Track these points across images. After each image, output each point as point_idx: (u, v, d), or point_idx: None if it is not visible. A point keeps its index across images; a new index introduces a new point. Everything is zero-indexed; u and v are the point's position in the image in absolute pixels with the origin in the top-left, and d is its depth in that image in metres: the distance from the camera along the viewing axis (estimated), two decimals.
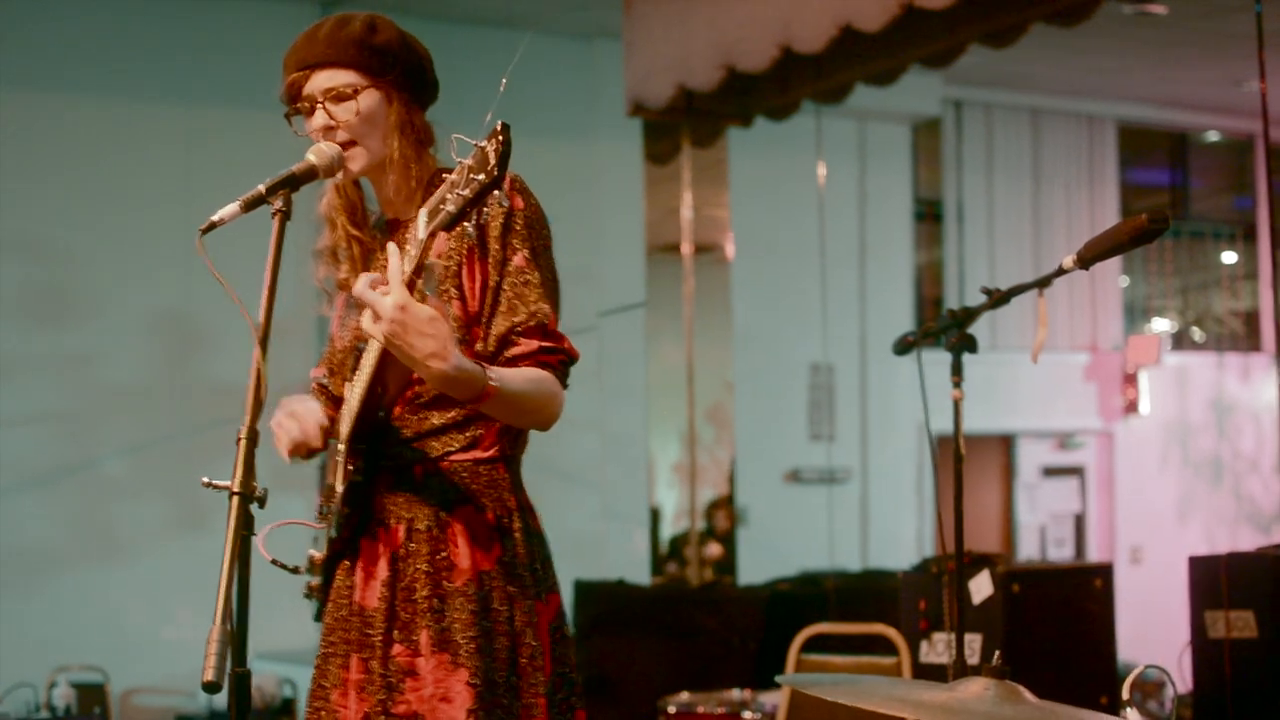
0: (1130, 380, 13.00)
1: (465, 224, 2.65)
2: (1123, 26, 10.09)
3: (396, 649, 2.95)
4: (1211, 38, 10.51)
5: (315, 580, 3.10)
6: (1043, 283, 3.32)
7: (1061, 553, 12.78)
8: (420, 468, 3.01)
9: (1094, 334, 12.87)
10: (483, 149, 2.57)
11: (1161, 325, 14.01)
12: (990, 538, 12.40)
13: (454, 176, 2.61)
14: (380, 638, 2.97)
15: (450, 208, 2.61)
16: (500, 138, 2.55)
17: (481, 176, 2.57)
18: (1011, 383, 11.98)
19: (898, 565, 7.02)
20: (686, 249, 9.58)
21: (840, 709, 3.02)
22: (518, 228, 2.96)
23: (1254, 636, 5.77)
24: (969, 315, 3.39)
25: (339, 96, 2.98)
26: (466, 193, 2.59)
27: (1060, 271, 3.33)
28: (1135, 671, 3.49)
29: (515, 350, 2.93)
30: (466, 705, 2.89)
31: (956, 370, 3.39)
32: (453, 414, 2.98)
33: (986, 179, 12.59)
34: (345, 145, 2.98)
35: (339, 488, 2.98)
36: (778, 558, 10.45)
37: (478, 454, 3.02)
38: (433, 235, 2.65)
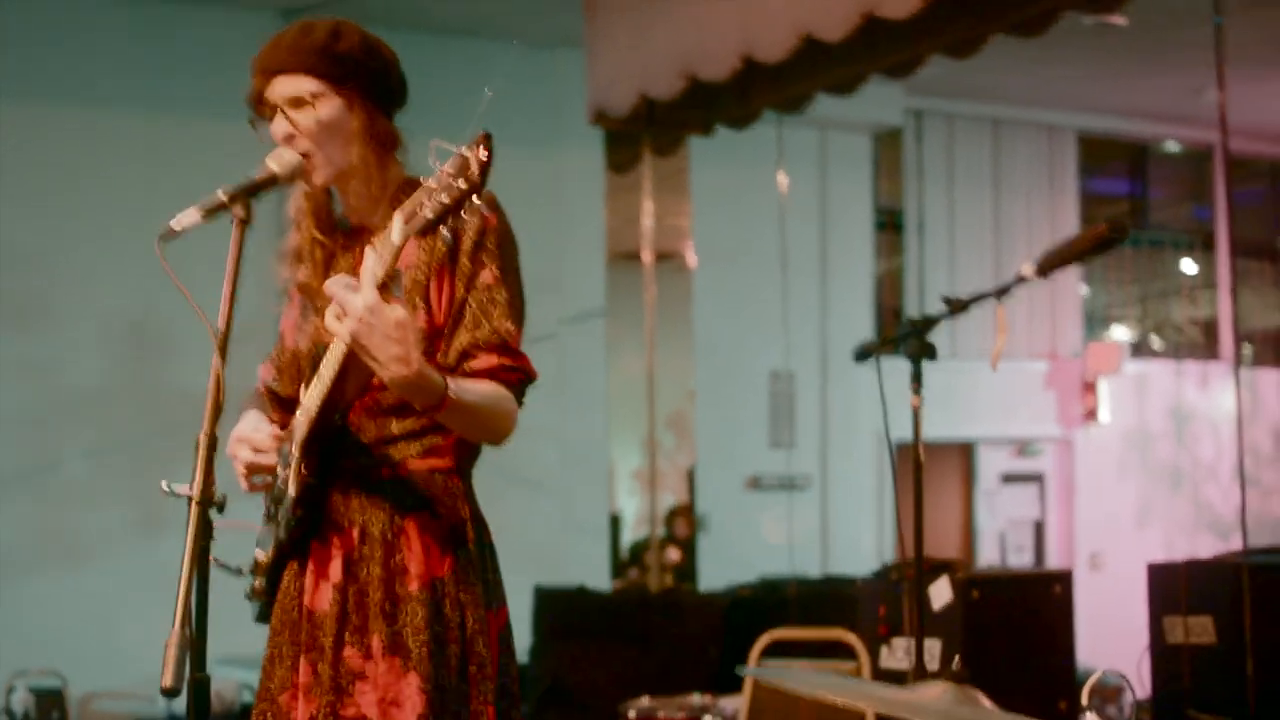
0: (1089, 388, 13.05)
1: (442, 229, 2.65)
2: (1083, 37, 10.14)
3: (348, 651, 2.94)
4: (1171, 48, 10.57)
5: (259, 582, 3.10)
6: (1002, 291, 3.35)
7: (1021, 559, 12.83)
8: (376, 472, 3.01)
9: (1054, 342, 12.93)
10: (464, 156, 2.56)
11: (1121, 333, 14.08)
12: (950, 544, 12.43)
13: (431, 182, 2.60)
14: (331, 640, 2.96)
15: (428, 213, 2.60)
16: (483, 147, 2.55)
17: (462, 183, 2.56)
18: (971, 390, 12.01)
19: (857, 572, 7.05)
20: (647, 257, 9.60)
21: (801, 706, 3.04)
22: (489, 245, 2.96)
23: (1213, 643, 5.81)
24: (928, 323, 3.42)
25: (299, 103, 2.98)
26: (445, 199, 2.57)
27: (1019, 280, 3.36)
28: (1094, 677, 3.52)
29: (475, 364, 2.92)
30: (417, 710, 2.89)
31: (916, 378, 3.41)
32: (410, 422, 2.98)
33: (947, 188, 12.63)
34: (307, 153, 2.98)
35: (290, 490, 2.97)
36: (738, 564, 10.46)
37: (434, 462, 3.02)
38: (406, 239, 2.65)
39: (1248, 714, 5.61)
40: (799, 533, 11.13)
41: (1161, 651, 6.00)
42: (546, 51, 10.38)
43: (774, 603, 8.64)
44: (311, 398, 2.93)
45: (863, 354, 3.57)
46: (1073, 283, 13.09)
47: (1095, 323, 13.84)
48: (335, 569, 2.99)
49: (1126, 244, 13.79)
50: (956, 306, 3.40)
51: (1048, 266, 3.31)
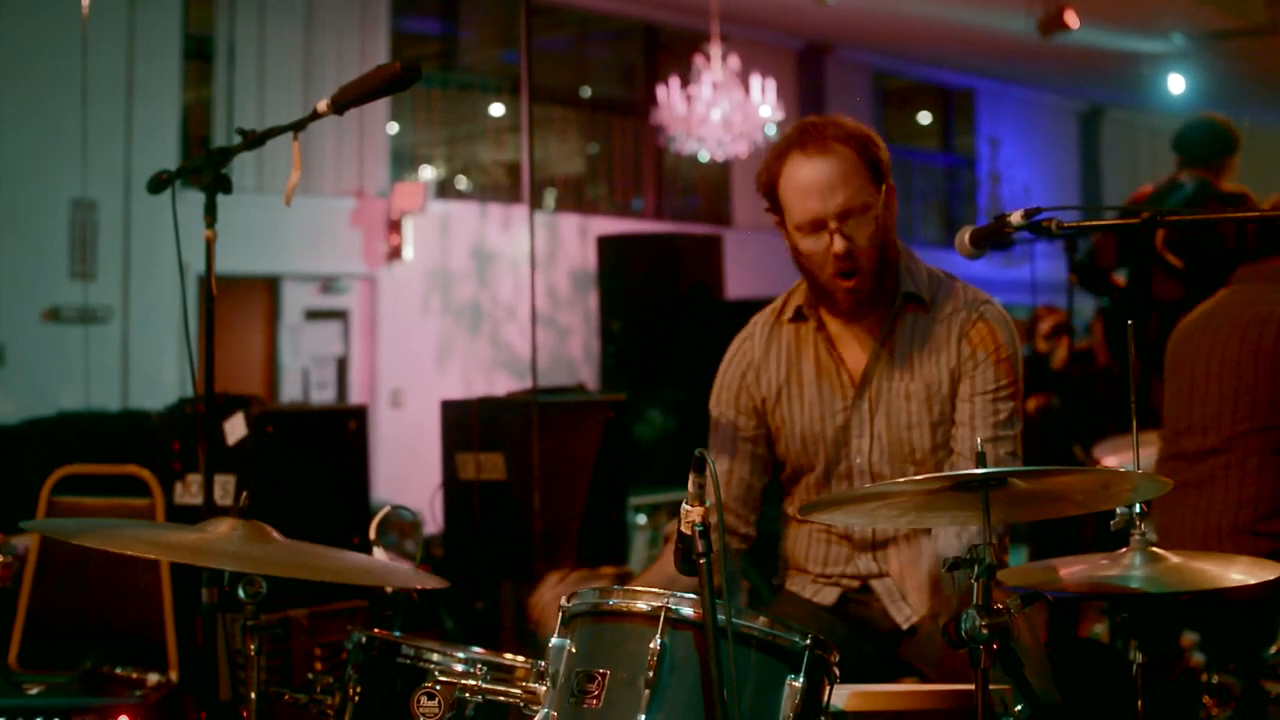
0: (395, 227, 13.22)
1: None
2: None
3: None
4: None
5: None
6: (298, 126, 3.32)
7: (324, 395, 12.92)
8: None
9: (361, 180, 13.00)
10: None
11: (428, 173, 14.31)
12: (253, 380, 12.37)
13: None
14: None
15: None
16: None
17: None
18: (277, 226, 11.93)
19: (159, 406, 6.93)
20: None
21: (91, 553, 2.96)
22: None
23: (503, 479, 6.05)
24: (223, 155, 3.35)
25: None
26: None
27: (315, 115, 3.33)
28: (382, 512, 3.60)
29: None
30: None
31: (210, 210, 3.34)
32: None
33: (259, 19, 12.41)
34: None
35: None
36: (36, 397, 10.11)
37: None
38: None
39: (531, 549, 5.89)
40: (98, 366, 10.84)
41: (453, 487, 6.21)
42: None
43: (70, 437, 8.38)
44: None
45: (157, 185, 3.46)
46: (381, 122, 13.17)
47: (403, 162, 14.00)
48: None
49: (436, 85, 13.99)
50: (251, 139, 3.35)
51: (342, 101, 3.30)
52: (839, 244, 3.45)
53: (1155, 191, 7.57)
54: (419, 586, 3.16)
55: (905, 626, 3.61)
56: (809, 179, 3.47)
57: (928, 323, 3.59)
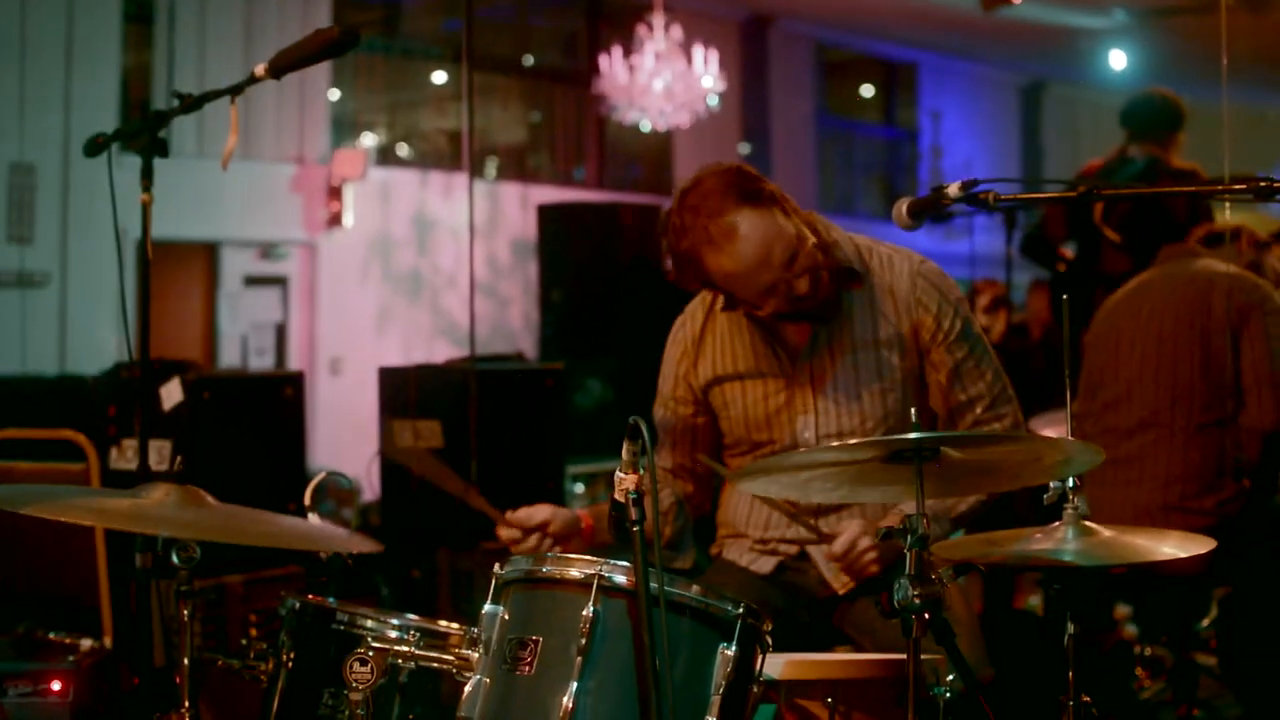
0: (335, 193, 13.14)
1: None
2: None
3: None
4: None
5: None
6: (235, 90, 3.30)
7: (263, 362, 12.84)
8: None
9: (301, 146, 12.91)
10: None
11: (369, 140, 14.24)
12: (191, 346, 12.28)
13: None
14: None
15: None
16: None
17: None
18: (216, 191, 11.84)
19: (97, 372, 6.88)
20: None
21: (24, 519, 2.95)
22: None
23: (440, 446, 6.05)
24: (161, 119, 3.33)
25: None
26: None
27: (253, 79, 3.32)
28: (317, 478, 3.59)
29: None
30: None
31: (146, 174, 3.32)
32: None
33: None
34: None
35: None
36: None
37: None
38: None
39: (467, 517, 5.88)
40: (35, 331, 10.76)
41: (391, 454, 6.20)
42: None
43: (5, 400, 8.31)
44: None
45: (94, 148, 3.43)
46: (322, 88, 13.08)
47: (344, 128, 13.91)
48: None
49: (378, 51, 13.91)
50: (188, 102, 3.33)
51: (280, 66, 3.28)
52: (803, 285, 3.44)
53: (1105, 165, 7.60)
54: (353, 550, 3.16)
55: (842, 592, 3.63)
56: (742, 262, 3.40)
57: (866, 294, 3.60)
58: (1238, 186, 2.87)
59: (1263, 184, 2.75)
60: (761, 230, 3.38)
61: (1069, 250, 7.74)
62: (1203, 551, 3.00)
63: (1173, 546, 3.02)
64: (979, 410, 3.60)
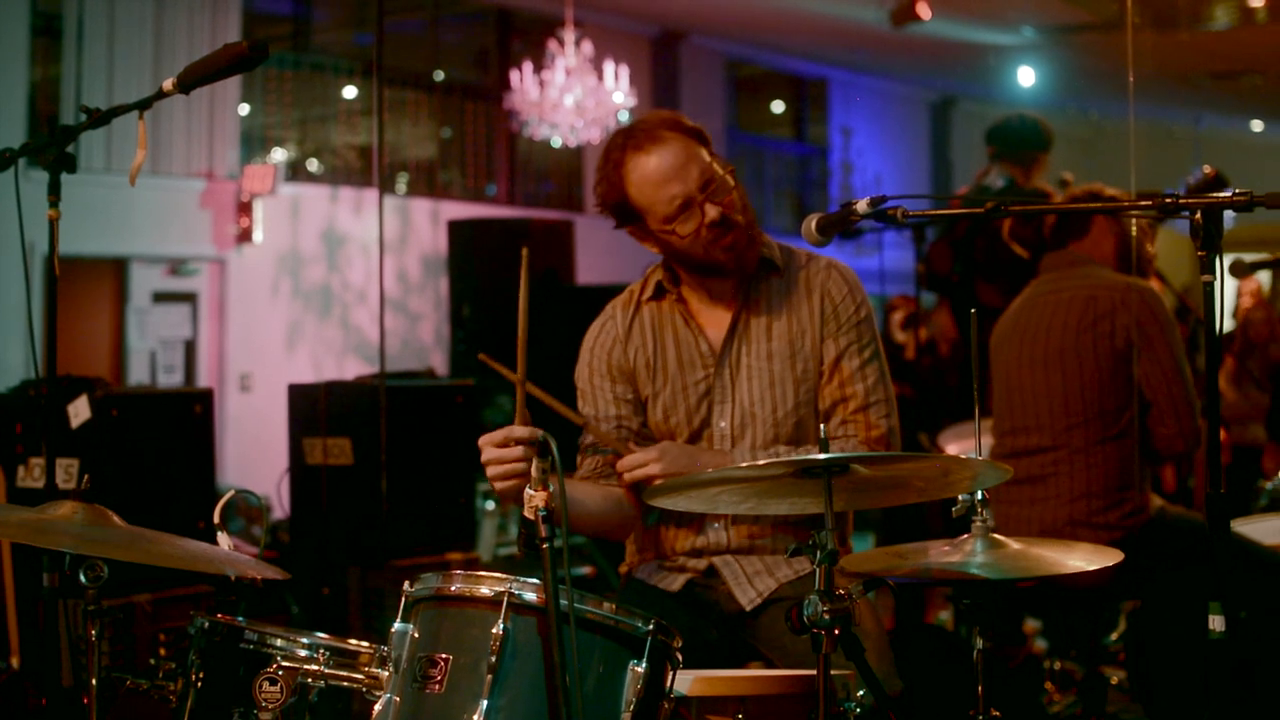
0: (245, 209, 13.07)
1: None
2: None
3: None
4: None
5: None
6: (143, 105, 3.28)
7: (172, 379, 12.75)
8: None
9: (210, 161, 12.82)
10: None
11: (279, 155, 14.16)
12: (100, 363, 12.18)
13: None
14: None
15: None
16: None
17: None
18: (125, 207, 11.75)
19: (3, 389, 6.80)
20: None
21: None
22: None
23: (350, 463, 6.03)
24: (68, 134, 3.30)
25: None
26: None
27: (160, 94, 3.29)
28: (226, 496, 3.56)
29: None
30: None
31: (53, 189, 3.29)
32: None
33: None
34: None
35: None
36: None
37: None
38: None
39: (378, 535, 5.87)
40: None
41: (301, 471, 6.18)
42: None
43: None
44: None
45: (0, 163, 3.40)
46: (232, 103, 13.01)
47: (254, 144, 13.83)
48: None
49: (288, 66, 13.84)
50: (95, 117, 3.30)
51: (188, 81, 3.26)
52: (712, 211, 3.55)
53: (970, 189, 7.67)
54: (257, 577, 3.15)
55: (749, 608, 3.65)
56: (660, 169, 3.55)
57: (784, 285, 3.71)
58: (1144, 203, 2.92)
59: (1168, 200, 2.79)
60: (683, 147, 3.57)
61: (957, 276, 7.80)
62: (1109, 564, 3.03)
63: (1080, 559, 3.05)
64: (851, 408, 3.65)
